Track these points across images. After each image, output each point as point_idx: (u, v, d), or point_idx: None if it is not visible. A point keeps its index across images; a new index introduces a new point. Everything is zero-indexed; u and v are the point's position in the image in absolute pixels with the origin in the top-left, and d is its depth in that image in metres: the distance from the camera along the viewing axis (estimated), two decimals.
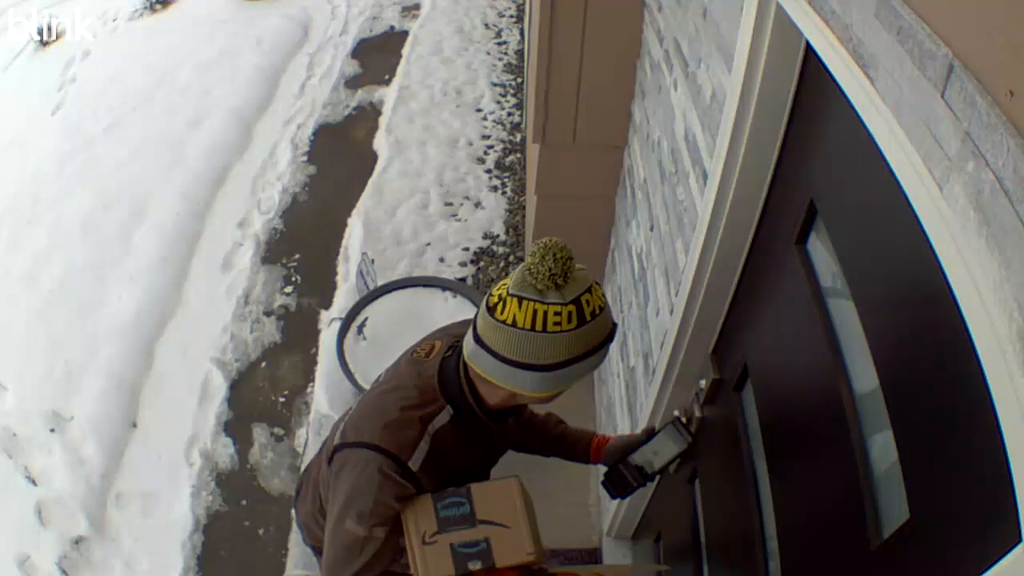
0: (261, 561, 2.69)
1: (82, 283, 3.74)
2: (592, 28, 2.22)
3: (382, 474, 1.20)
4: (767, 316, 1.38)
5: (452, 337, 1.35)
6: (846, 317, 1.04)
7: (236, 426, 3.13)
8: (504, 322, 1.09)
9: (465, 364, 1.23)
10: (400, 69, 5.56)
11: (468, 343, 1.18)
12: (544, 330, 1.08)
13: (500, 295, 1.11)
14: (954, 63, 0.65)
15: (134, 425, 3.15)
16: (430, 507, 1.24)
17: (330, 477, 1.29)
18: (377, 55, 5.86)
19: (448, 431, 1.26)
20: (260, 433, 3.10)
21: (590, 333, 1.11)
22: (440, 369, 1.28)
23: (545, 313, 1.07)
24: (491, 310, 1.11)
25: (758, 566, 1.32)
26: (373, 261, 3.26)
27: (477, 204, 4.20)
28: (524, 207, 4.07)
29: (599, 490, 2.79)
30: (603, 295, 1.14)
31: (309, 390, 3.25)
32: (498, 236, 3.98)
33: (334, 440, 1.31)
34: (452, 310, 2.87)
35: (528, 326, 1.08)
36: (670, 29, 1.89)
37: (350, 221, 4.14)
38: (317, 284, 3.79)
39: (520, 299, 1.08)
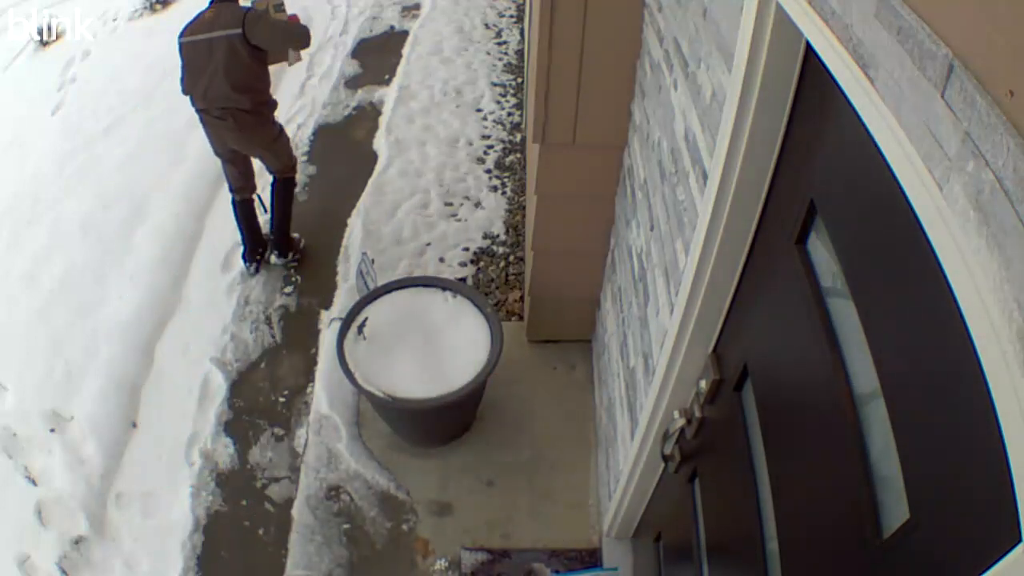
0: (261, 561, 2.69)
1: (82, 283, 3.75)
2: (592, 28, 2.22)
3: None
4: (767, 316, 1.38)
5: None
6: (846, 317, 1.04)
7: (236, 426, 3.13)
8: None
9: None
10: (400, 69, 5.56)
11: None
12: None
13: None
14: (954, 63, 0.65)
15: (134, 425, 3.15)
16: None
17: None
18: (377, 55, 5.86)
19: None
20: (260, 433, 3.11)
21: None
22: None
23: None
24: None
25: (758, 566, 1.32)
26: (373, 261, 3.26)
27: (477, 204, 4.20)
28: (524, 207, 4.07)
29: (599, 490, 2.79)
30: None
31: (309, 390, 3.25)
32: (498, 236, 3.98)
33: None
34: (452, 310, 2.87)
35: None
36: (670, 29, 1.89)
37: (350, 221, 4.14)
38: (317, 284, 3.79)
39: None
